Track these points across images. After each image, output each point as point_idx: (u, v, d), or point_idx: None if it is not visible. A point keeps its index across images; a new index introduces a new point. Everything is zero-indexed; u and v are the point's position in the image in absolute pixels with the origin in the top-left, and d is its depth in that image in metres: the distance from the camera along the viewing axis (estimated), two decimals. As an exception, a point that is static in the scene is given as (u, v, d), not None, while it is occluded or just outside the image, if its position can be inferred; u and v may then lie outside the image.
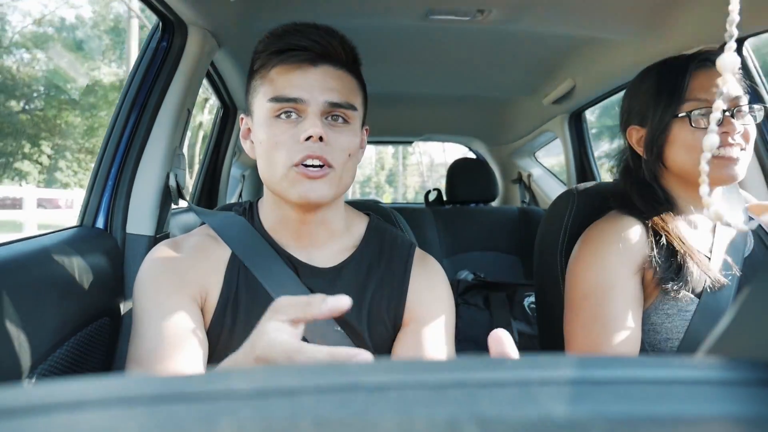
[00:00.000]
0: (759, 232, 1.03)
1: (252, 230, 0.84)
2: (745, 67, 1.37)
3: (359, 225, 0.91)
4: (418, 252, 0.91)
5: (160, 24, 1.26)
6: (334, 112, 0.77)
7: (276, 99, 0.76)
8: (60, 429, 0.19)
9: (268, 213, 0.86)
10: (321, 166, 0.76)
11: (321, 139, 0.75)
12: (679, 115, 0.94)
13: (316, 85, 0.76)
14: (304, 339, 0.75)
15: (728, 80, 0.30)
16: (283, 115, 0.77)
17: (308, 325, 0.75)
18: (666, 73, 0.99)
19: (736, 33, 0.30)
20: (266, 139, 0.77)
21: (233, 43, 1.48)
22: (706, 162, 0.33)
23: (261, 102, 0.78)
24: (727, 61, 0.30)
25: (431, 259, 0.92)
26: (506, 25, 1.45)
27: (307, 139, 0.74)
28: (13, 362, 0.74)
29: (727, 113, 0.92)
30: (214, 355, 0.78)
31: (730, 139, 0.90)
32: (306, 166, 0.75)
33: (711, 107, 0.91)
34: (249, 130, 0.85)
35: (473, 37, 1.60)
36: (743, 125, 0.92)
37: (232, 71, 1.76)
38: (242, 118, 0.86)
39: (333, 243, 0.86)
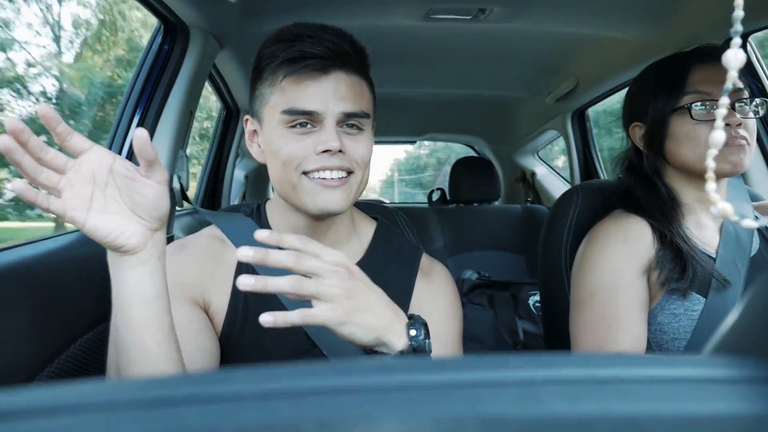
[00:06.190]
0: (765, 232, 1.02)
1: None
2: (748, 62, 1.36)
3: (367, 230, 0.90)
4: (425, 259, 0.90)
5: (162, 26, 1.26)
6: (348, 121, 0.76)
7: (290, 111, 0.74)
8: (65, 431, 0.19)
9: (276, 217, 0.85)
10: (340, 177, 0.75)
11: (339, 151, 0.74)
12: (679, 107, 0.93)
13: (329, 94, 0.74)
14: (311, 340, 0.76)
15: (733, 77, 0.30)
16: (297, 126, 0.75)
17: (313, 326, 0.75)
18: (666, 68, 0.99)
19: (740, 29, 0.29)
20: (279, 149, 0.75)
21: (235, 44, 1.48)
22: (712, 158, 0.33)
23: (272, 112, 0.76)
24: (732, 57, 0.30)
25: (438, 265, 0.91)
26: (507, 23, 1.45)
27: (325, 151, 0.73)
28: (20, 365, 0.74)
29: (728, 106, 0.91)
30: (225, 358, 0.78)
31: (733, 132, 0.89)
32: (323, 178, 0.74)
33: (712, 99, 0.91)
34: (255, 132, 0.82)
35: (475, 36, 1.60)
36: (743, 118, 0.91)
37: (234, 72, 1.76)
38: (247, 120, 0.84)
39: (341, 248, 0.84)
